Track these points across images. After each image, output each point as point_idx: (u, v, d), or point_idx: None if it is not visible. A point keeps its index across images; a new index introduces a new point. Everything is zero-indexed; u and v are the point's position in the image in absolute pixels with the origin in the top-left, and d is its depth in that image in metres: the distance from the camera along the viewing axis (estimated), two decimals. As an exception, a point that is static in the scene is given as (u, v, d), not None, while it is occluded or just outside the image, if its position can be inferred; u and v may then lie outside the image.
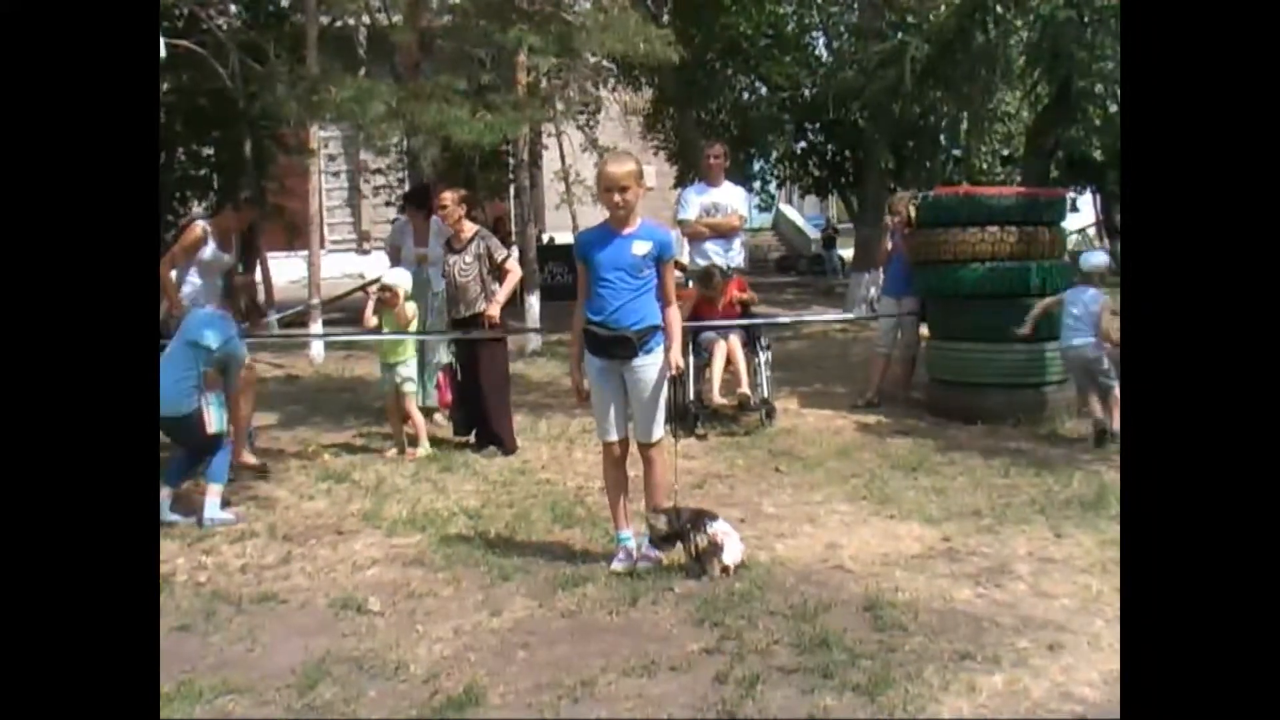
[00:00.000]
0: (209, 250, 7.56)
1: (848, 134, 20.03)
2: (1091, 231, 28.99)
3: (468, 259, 7.73)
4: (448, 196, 7.83)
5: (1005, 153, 23.27)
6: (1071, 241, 19.71)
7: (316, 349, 12.50)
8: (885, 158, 17.99)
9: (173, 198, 16.30)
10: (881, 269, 11.18)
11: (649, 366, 5.02)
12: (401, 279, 7.87)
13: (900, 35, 14.57)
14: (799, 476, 6.97)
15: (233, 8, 15.49)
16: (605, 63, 16.97)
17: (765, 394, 8.61)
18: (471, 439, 8.00)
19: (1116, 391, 7.52)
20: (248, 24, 15.37)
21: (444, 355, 8.40)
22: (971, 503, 6.20)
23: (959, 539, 5.51)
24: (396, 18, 12.49)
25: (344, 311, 15.23)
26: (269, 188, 15.93)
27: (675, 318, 5.12)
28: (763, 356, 8.70)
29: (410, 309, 7.84)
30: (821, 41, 20.92)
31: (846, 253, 23.19)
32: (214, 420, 6.11)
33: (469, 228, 7.83)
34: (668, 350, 5.04)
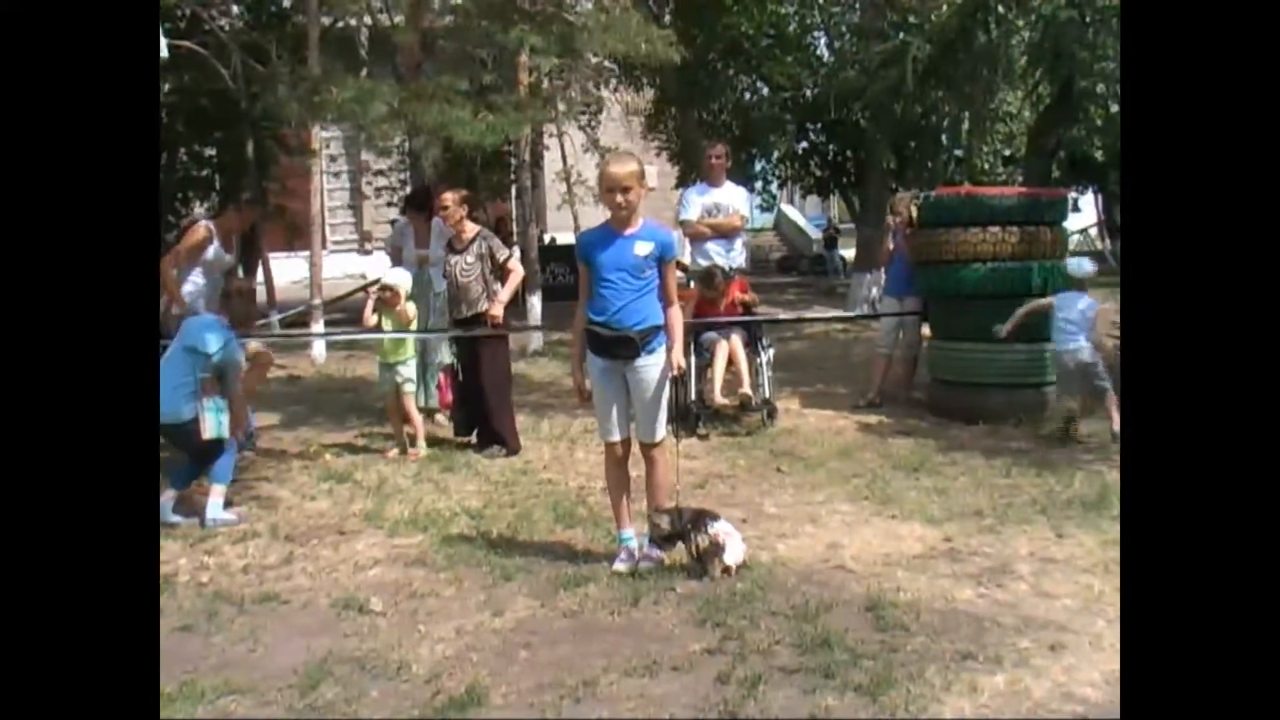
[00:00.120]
0: (212, 250, 7.61)
1: (849, 134, 20.02)
2: (1093, 231, 28.99)
3: (469, 259, 7.73)
4: (449, 197, 7.83)
5: (1007, 153, 23.26)
6: (1073, 241, 19.73)
7: (318, 349, 12.51)
8: (887, 158, 17.98)
9: (174, 198, 16.32)
10: (883, 269, 11.17)
11: (651, 367, 5.02)
12: (402, 279, 7.88)
13: (902, 35, 14.57)
14: (800, 477, 6.97)
15: (235, 8, 15.51)
16: (607, 63, 17.00)
17: (767, 394, 8.61)
18: (472, 439, 8.00)
19: (1112, 394, 7.57)
20: (249, 25, 15.39)
21: (445, 355, 8.40)
22: (973, 503, 6.20)
23: (961, 539, 5.51)
24: (398, 18, 12.50)
25: (345, 312, 15.23)
26: (271, 188, 15.96)
27: (677, 318, 5.12)
28: (764, 356, 8.70)
29: (411, 309, 7.84)
30: (823, 41, 20.93)
31: (848, 253, 23.19)
32: (211, 426, 6.10)
33: (470, 228, 7.84)
34: (669, 350, 5.05)
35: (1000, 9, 12.32)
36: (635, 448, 5.20)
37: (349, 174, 25.43)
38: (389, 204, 19.68)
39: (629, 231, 4.99)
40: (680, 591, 4.75)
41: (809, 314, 16.18)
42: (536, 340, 12.87)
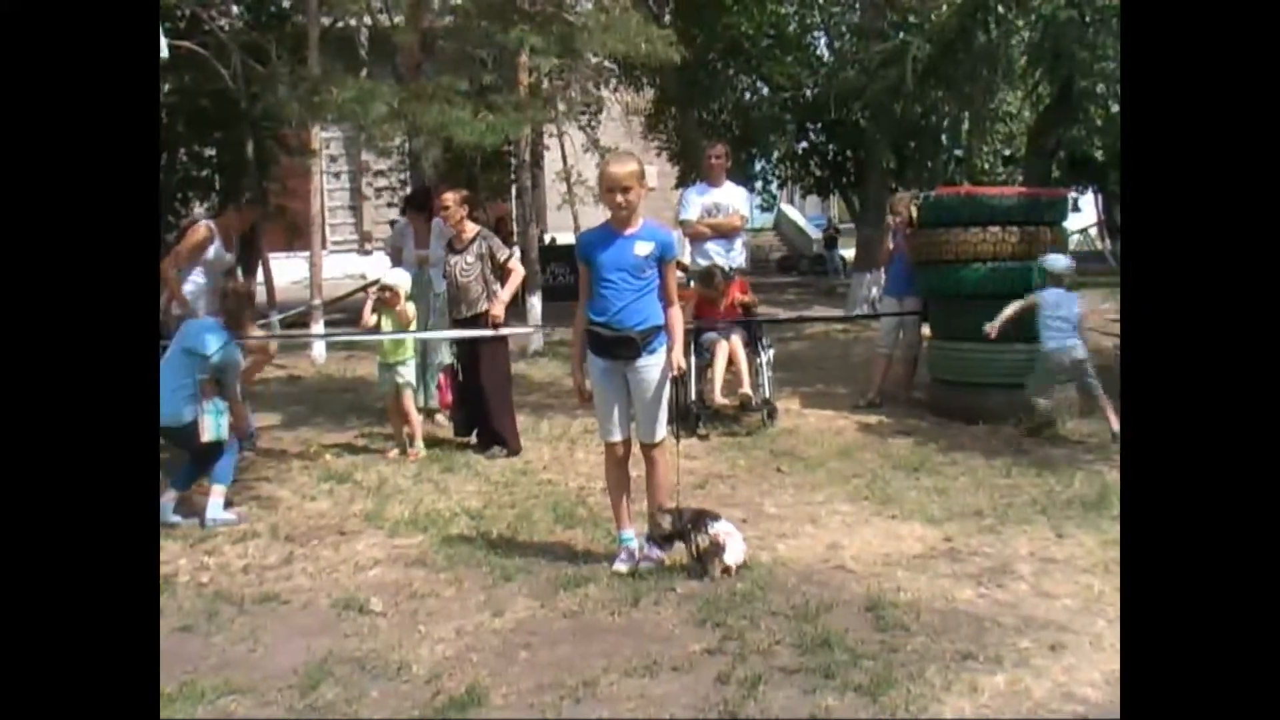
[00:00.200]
0: (213, 250, 7.63)
1: (849, 134, 20.03)
2: (1093, 231, 29.00)
3: (469, 259, 7.73)
4: (449, 197, 7.83)
5: (1007, 153, 23.27)
6: (1073, 241, 19.72)
7: (318, 349, 12.52)
8: (887, 158, 17.98)
9: (174, 198, 16.33)
10: (883, 269, 11.17)
11: (652, 367, 5.02)
12: (401, 279, 7.88)
13: (902, 35, 14.55)
14: (801, 477, 6.97)
15: (234, 8, 15.51)
16: (607, 63, 17.00)
17: (767, 394, 8.61)
18: (472, 439, 8.00)
19: (1101, 391, 7.61)
20: (249, 25, 15.38)
21: (446, 355, 8.41)
22: (973, 503, 6.20)
23: (961, 539, 5.52)
24: (398, 18, 12.51)
25: (345, 312, 15.22)
26: (271, 188, 15.95)
27: (677, 318, 5.12)
28: (764, 357, 8.70)
29: (410, 309, 7.84)
30: (823, 41, 20.94)
31: (848, 253, 23.17)
32: (210, 428, 6.10)
33: (471, 228, 7.84)
34: (670, 351, 5.05)
35: (1000, 9, 12.31)
36: (635, 448, 5.20)
37: (349, 174, 25.44)
38: (389, 204, 19.68)
39: (629, 231, 4.99)
40: (680, 592, 4.75)
41: (809, 314, 16.20)
42: (537, 340, 12.87)
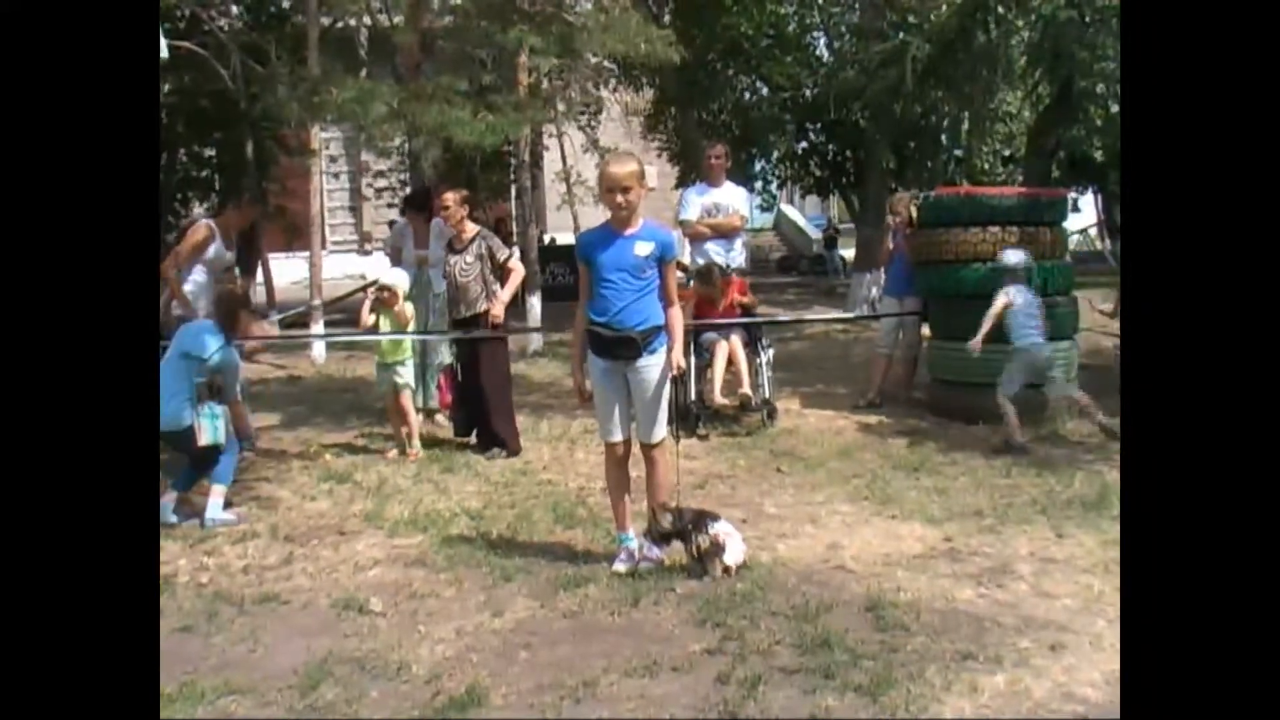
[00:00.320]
0: (213, 249, 7.64)
1: (849, 134, 20.03)
2: (1093, 231, 29.00)
3: (469, 259, 7.73)
4: (450, 197, 7.83)
5: (1006, 153, 23.29)
6: (1073, 241, 19.73)
7: (318, 349, 12.52)
8: (886, 158, 17.99)
9: (174, 199, 16.35)
10: (883, 269, 11.17)
11: (652, 367, 5.02)
12: (400, 279, 7.88)
13: (901, 35, 14.56)
14: (800, 477, 6.97)
15: (234, 9, 15.52)
16: (606, 63, 16.99)
17: (767, 394, 8.61)
18: (472, 440, 8.00)
19: (1074, 390, 7.68)
20: (249, 25, 15.41)
21: (445, 356, 8.41)
22: (973, 503, 6.20)
23: (961, 539, 5.51)
24: (398, 19, 12.51)
25: (345, 312, 15.22)
26: (270, 189, 15.97)
27: (677, 318, 5.12)
28: (764, 357, 8.70)
29: (409, 310, 7.84)
30: (823, 41, 20.94)
31: (848, 253, 23.19)
32: (208, 432, 6.09)
33: (471, 228, 7.84)
34: (670, 351, 5.05)
35: (1000, 9, 12.31)
36: (635, 448, 5.20)
37: (349, 174, 25.45)
38: (389, 205, 19.69)
39: (629, 232, 4.99)
40: (680, 592, 4.75)
41: (809, 314, 16.18)
42: (536, 341, 12.87)
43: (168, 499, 6.09)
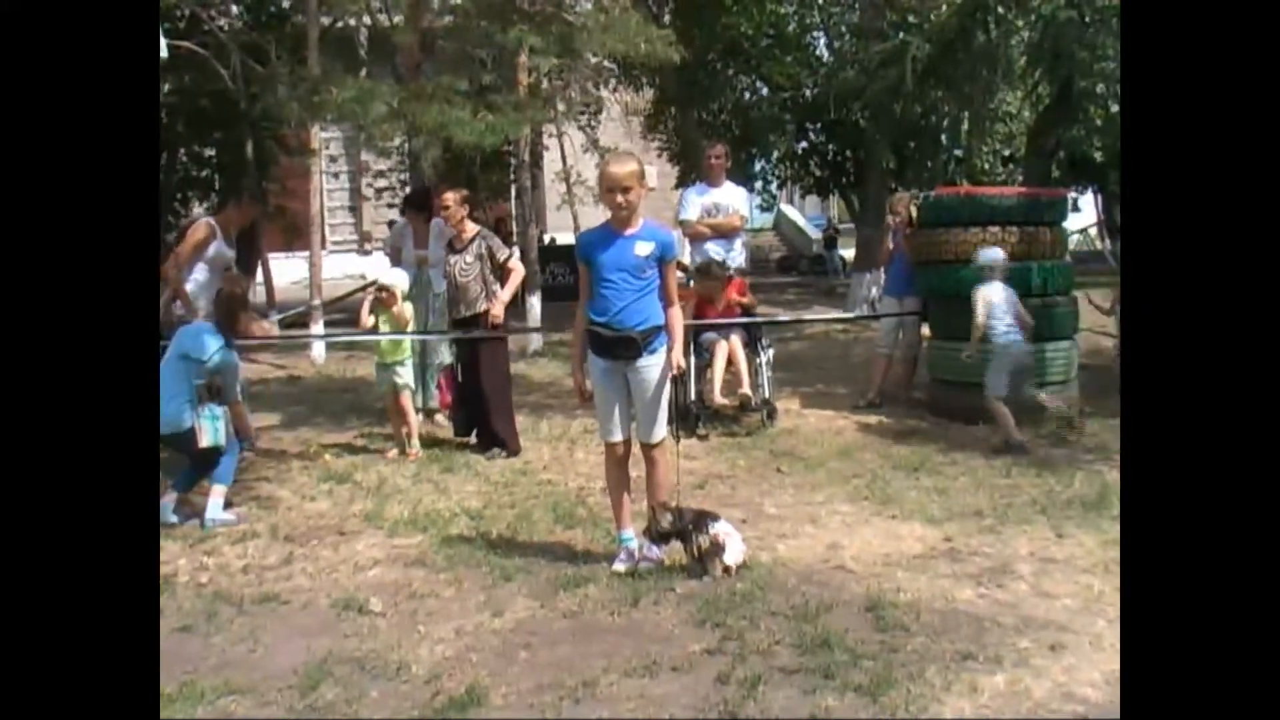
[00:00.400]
0: (213, 248, 7.64)
1: (849, 134, 20.04)
2: (1093, 231, 29.00)
3: (469, 259, 7.73)
4: (450, 197, 7.83)
5: (1006, 153, 23.28)
6: (1073, 241, 19.72)
7: (318, 350, 12.51)
8: (886, 158, 18.00)
9: (174, 198, 16.34)
10: (883, 269, 11.17)
11: (652, 367, 5.02)
12: (399, 279, 7.88)
13: (901, 35, 14.56)
14: (800, 477, 6.97)
15: (234, 9, 15.51)
16: (606, 63, 16.99)
17: (767, 394, 8.61)
18: (472, 440, 8.00)
19: (1039, 393, 7.73)
20: (249, 25, 15.40)
21: (446, 356, 8.41)
22: (973, 503, 6.20)
23: (961, 539, 5.51)
24: (398, 18, 12.50)
25: (345, 312, 15.22)
26: (271, 188, 15.96)
27: (677, 318, 5.12)
28: (764, 357, 8.70)
29: (408, 310, 7.84)
30: (822, 41, 20.95)
31: (848, 253, 23.19)
32: (208, 433, 6.09)
33: (471, 228, 7.84)
34: (670, 350, 5.05)
35: (1000, 9, 12.31)
36: (635, 448, 5.20)
37: (349, 174, 25.45)
38: (389, 205, 19.69)
39: (629, 232, 4.99)
40: (680, 592, 4.75)
41: (809, 314, 16.19)
42: (536, 341, 12.87)
43: (168, 499, 6.09)
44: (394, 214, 16.00)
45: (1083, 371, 8.88)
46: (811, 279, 25.37)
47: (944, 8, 15.69)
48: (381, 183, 20.19)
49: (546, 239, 20.31)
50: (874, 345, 10.07)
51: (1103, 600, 4.54)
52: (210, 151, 17.19)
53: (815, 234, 31.48)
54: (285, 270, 19.18)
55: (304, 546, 5.69)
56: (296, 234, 16.31)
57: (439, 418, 8.71)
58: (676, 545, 5.06)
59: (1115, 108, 12.66)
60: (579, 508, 6.25)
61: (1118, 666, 3.50)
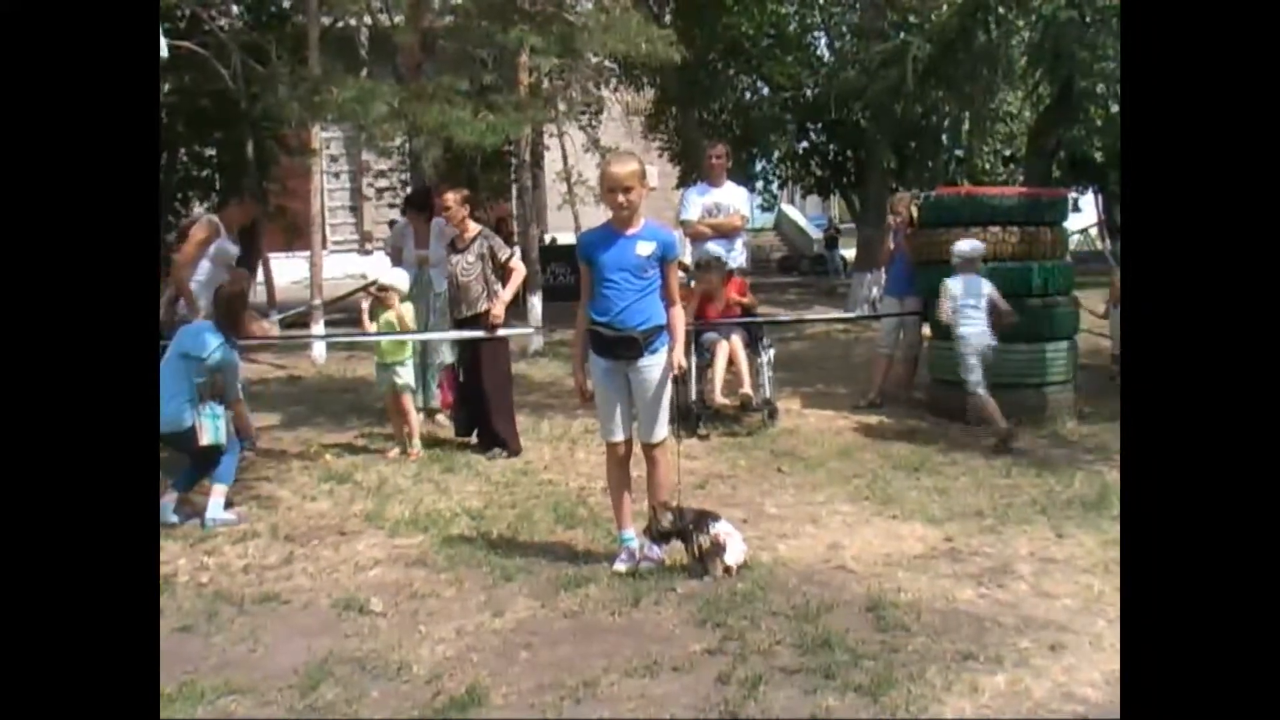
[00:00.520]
0: (218, 244, 7.65)
1: (850, 134, 20.04)
2: (1094, 231, 29.00)
3: (470, 258, 7.73)
4: (450, 197, 7.83)
5: (1007, 153, 23.28)
6: (1074, 241, 19.73)
7: (318, 349, 12.51)
8: (887, 158, 18.00)
9: (175, 198, 16.34)
10: (884, 269, 11.18)
11: (654, 367, 5.02)
12: (399, 279, 7.88)
13: (902, 35, 14.57)
14: (801, 477, 6.97)
15: (234, 9, 15.51)
16: (607, 63, 17.00)
17: (767, 394, 8.61)
18: (473, 439, 8.00)
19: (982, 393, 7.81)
20: (249, 25, 15.39)
21: (447, 355, 8.40)
22: (974, 503, 6.20)
23: (961, 539, 5.52)
24: (398, 18, 12.50)
25: (346, 312, 15.23)
26: (271, 188, 15.95)
27: (679, 318, 5.12)
28: (765, 357, 8.70)
29: (407, 312, 7.83)
30: (823, 41, 20.96)
31: (849, 253, 23.20)
32: (208, 432, 6.09)
33: (473, 228, 7.84)
34: (671, 350, 5.04)
35: (1000, 9, 12.32)
36: (636, 448, 5.20)
37: (349, 174, 25.46)
38: (390, 205, 19.69)
39: (631, 231, 4.99)
40: (681, 592, 4.75)
41: (809, 314, 16.20)
42: (537, 341, 12.86)
43: (168, 499, 6.09)
44: (395, 214, 15.99)
45: (1082, 371, 8.88)
46: (812, 279, 25.38)
47: (944, 8, 15.70)
48: (382, 182, 20.20)
49: (547, 239, 20.32)
50: (875, 345, 10.08)
51: (1103, 600, 4.54)
52: (211, 151, 17.19)
53: (816, 234, 31.48)
54: (286, 270, 19.17)
55: (305, 546, 5.69)
56: (297, 234, 16.31)
57: (440, 418, 8.71)
58: (677, 545, 5.06)
59: (1116, 108, 12.66)
60: (580, 508, 6.25)
61: (1118, 666, 3.50)
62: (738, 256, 8.93)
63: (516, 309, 9.41)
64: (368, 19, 14.53)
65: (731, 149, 10.30)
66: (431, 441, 8.05)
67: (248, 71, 13.24)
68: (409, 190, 13.00)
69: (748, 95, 21.07)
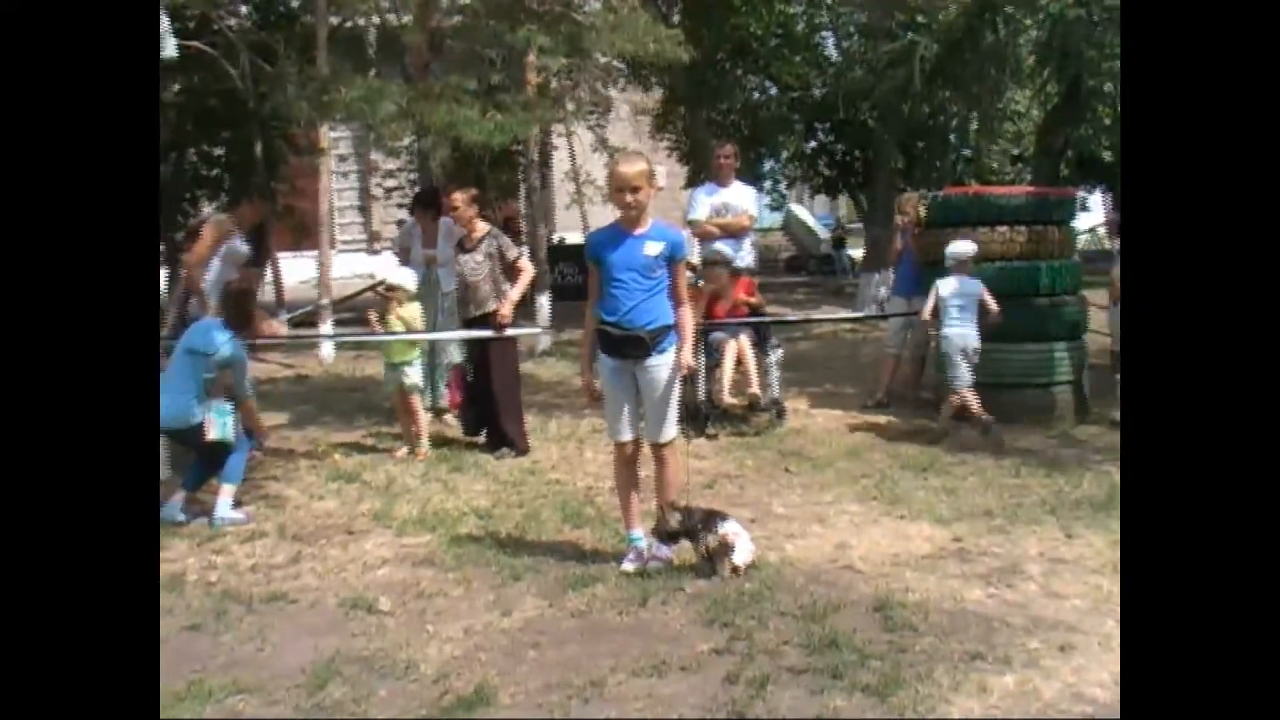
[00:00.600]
0: (230, 243, 7.68)
1: (857, 134, 20.00)
2: (1102, 231, 28.92)
3: (479, 258, 7.74)
4: (459, 197, 7.84)
5: (1015, 152, 23.22)
6: (1082, 241, 19.68)
7: (326, 349, 12.53)
8: (895, 157, 17.97)
9: (183, 198, 16.34)
10: (891, 269, 11.17)
11: (662, 366, 5.02)
12: (406, 278, 7.88)
13: (910, 35, 14.54)
14: (809, 477, 6.97)
15: (243, 9, 15.52)
16: (615, 63, 16.96)
17: (775, 394, 8.61)
18: (481, 439, 8.01)
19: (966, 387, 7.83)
20: (258, 25, 15.38)
21: (455, 355, 8.41)
22: (982, 503, 6.19)
23: (969, 539, 5.51)
24: (406, 18, 12.50)
25: (354, 312, 15.22)
26: (280, 188, 15.94)
27: (687, 317, 5.13)
28: (773, 356, 8.70)
29: (413, 312, 7.83)
30: (831, 41, 20.90)
31: (856, 253, 23.17)
32: (216, 428, 6.10)
33: (481, 227, 7.84)
34: (679, 350, 5.04)
35: (1008, 8, 12.31)
36: (644, 448, 5.20)
37: (358, 174, 25.44)
38: (398, 204, 19.69)
39: (639, 231, 4.99)
40: (689, 591, 4.75)
41: (817, 314, 16.16)
42: (545, 340, 12.87)
43: (177, 498, 6.11)
44: (403, 213, 15.99)
45: (1090, 371, 8.86)
46: (820, 279, 25.32)
47: (952, 7, 15.64)
48: (390, 182, 20.18)
49: (555, 238, 20.31)
50: (882, 345, 10.07)
51: (1112, 601, 4.52)
52: (219, 151, 17.17)
53: (824, 234, 31.42)
54: (294, 270, 19.13)
55: (312, 545, 5.70)
56: (305, 233, 16.29)
57: (448, 417, 8.71)
58: (685, 545, 5.06)
59: (1124, 107, 12.62)
60: (587, 507, 6.25)
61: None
62: (745, 256, 8.94)
63: (525, 308, 9.40)
64: (376, 19, 14.52)
65: (739, 149, 10.31)
66: (439, 441, 8.05)
67: (256, 71, 13.25)
68: (417, 190, 13.01)
69: (755, 95, 21.03)
